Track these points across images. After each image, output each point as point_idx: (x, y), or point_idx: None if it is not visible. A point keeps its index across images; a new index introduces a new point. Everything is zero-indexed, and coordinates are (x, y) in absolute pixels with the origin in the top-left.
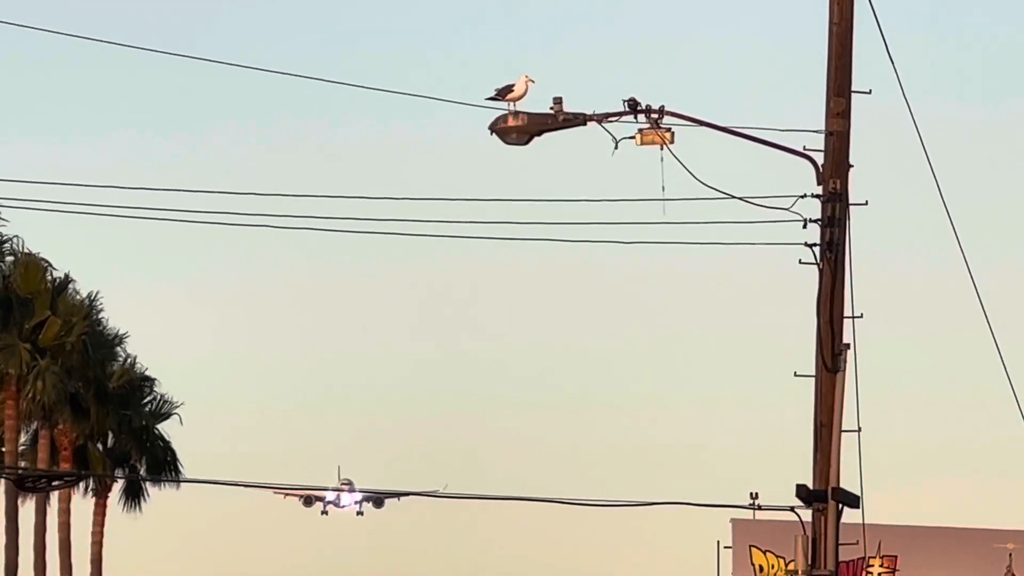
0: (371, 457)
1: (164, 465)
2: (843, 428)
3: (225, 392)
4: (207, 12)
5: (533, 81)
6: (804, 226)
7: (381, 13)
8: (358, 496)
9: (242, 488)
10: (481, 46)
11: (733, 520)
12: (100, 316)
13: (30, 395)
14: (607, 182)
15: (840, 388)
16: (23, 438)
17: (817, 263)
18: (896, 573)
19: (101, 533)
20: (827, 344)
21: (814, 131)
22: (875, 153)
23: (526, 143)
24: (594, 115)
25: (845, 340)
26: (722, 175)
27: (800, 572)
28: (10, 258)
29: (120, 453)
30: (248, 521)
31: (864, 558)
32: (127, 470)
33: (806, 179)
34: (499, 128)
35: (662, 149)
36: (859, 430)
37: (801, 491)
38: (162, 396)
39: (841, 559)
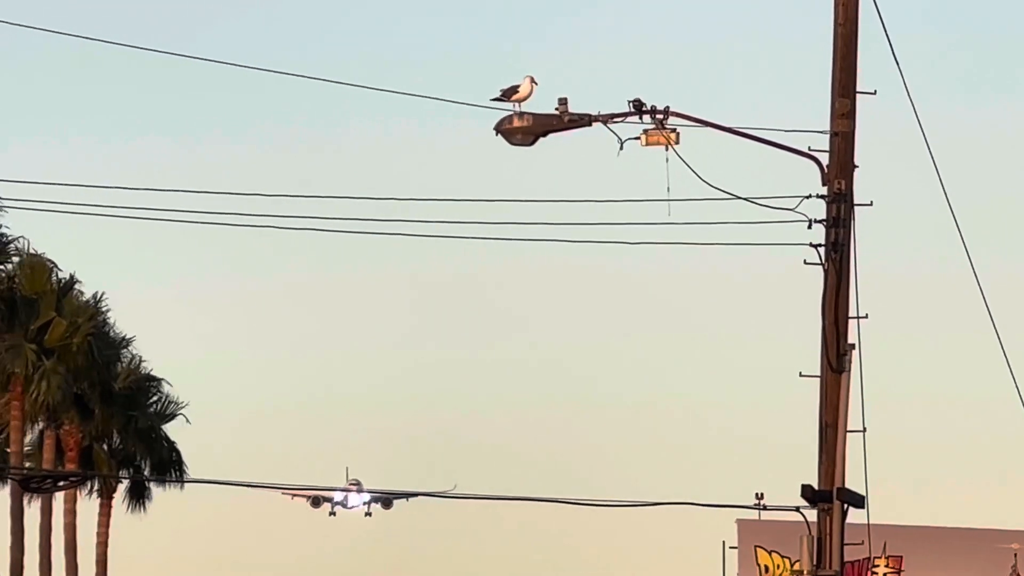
0: (379, 458)
1: (169, 466)
2: (848, 428)
3: (231, 392)
4: (208, 12)
5: (537, 84)
6: (809, 227)
7: (386, 13)
8: (366, 497)
9: (248, 489)
10: (486, 47)
11: (739, 520)
12: (106, 317)
13: (35, 396)
14: (612, 183)
15: (845, 388)
16: (29, 439)
17: (822, 264)
18: (901, 573)
19: (106, 534)
20: (832, 344)
21: (819, 132)
22: (880, 154)
23: (531, 144)
24: (599, 116)
25: (850, 340)
26: (727, 176)
27: (805, 572)
28: (15, 259)
29: (125, 454)
30: (255, 522)
31: (869, 558)
32: (132, 471)
33: (811, 180)
34: (504, 129)
35: (667, 150)
36: (864, 430)
37: (806, 491)
38: (167, 396)
39: (846, 559)
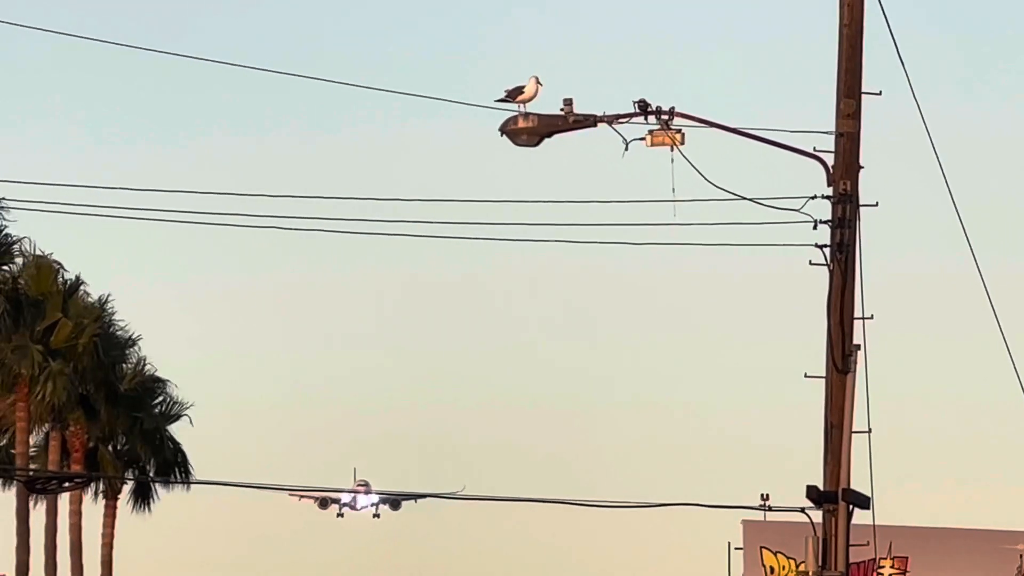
0: (388, 459)
1: (174, 467)
2: (853, 429)
3: (238, 393)
4: (208, 12)
5: (542, 84)
6: (814, 227)
7: (391, 14)
8: (375, 498)
9: (255, 490)
10: (490, 47)
11: (744, 521)
12: (111, 318)
13: (41, 397)
14: (617, 184)
15: (850, 389)
16: (34, 440)
17: (827, 264)
18: (907, 574)
19: (111, 535)
20: (837, 345)
21: (824, 132)
22: (885, 154)
23: (536, 145)
24: (604, 116)
25: (855, 341)
26: (732, 176)
27: (811, 573)
28: (19, 260)
29: (131, 455)
30: (261, 524)
31: (875, 559)
32: (137, 472)
33: (816, 180)
34: (510, 130)
35: (672, 150)
36: (869, 431)
37: (812, 492)
38: (172, 398)
39: (852, 560)
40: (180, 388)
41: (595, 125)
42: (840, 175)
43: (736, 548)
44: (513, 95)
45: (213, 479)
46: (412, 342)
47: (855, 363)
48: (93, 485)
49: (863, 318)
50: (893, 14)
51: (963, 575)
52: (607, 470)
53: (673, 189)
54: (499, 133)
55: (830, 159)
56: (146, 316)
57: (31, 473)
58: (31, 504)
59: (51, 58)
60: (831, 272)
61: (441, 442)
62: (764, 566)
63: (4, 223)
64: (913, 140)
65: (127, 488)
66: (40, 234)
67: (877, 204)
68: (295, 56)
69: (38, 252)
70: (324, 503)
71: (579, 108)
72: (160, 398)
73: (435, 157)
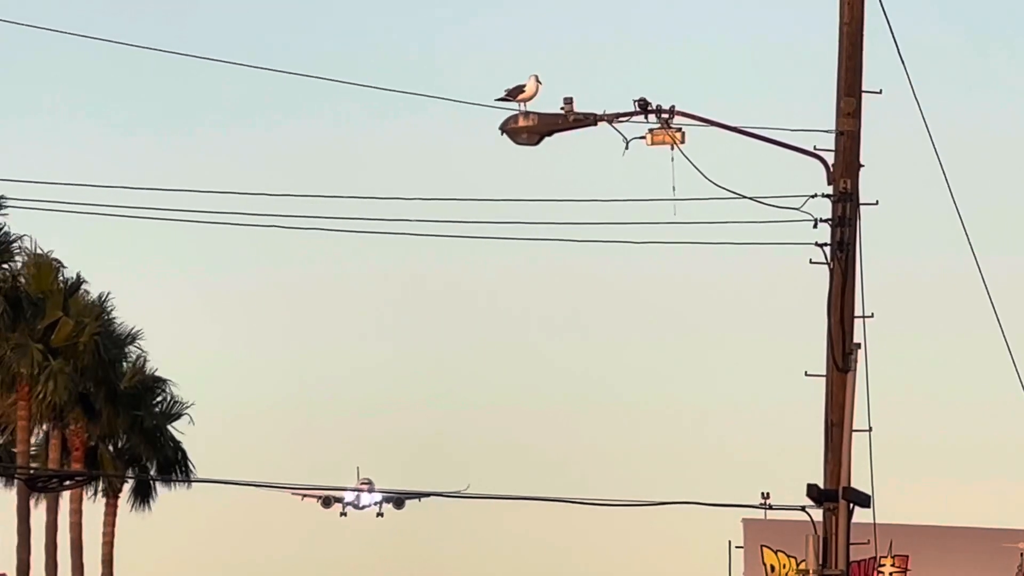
0: (391, 457)
1: (175, 465)
2: (854, 428)
3: (240, 392)
4: (209, 13)
5: (542, 83)
6: (815, 226)
7: (391, 12)
8: (378, 497)
9: (257, 489)
10: (491, 46)
11: (744, 520)
12: (112, 317)
13: (41, 396)
14: (618, 182)
15: (851, 388)
16: (35, 439)
17: (828, 263)
18: (907, 573)
19: (112, 533)
20: (838, 344)
21: (825, 131)
22: (886, 153)
23: (536, 143)
24: (605, 115)
25: (856, 340)
26: (733, 175)
27: (811, 572)
28: (19, 258)
29: (131, 453)
30: (264, 523)
31: (875, 558)
32: (138, 470)
33: (817, 179)
34: (510, 128)
35: (673, 149)
36: (870, 429)
37: (812, 491)
38: (173, 396)
39: (852, 559)
40: (181, 387)
41: (595, 124)
42: (840, 174)
43: (736, 547)
44: (513, 94)
45: (214, 478)
46: (414, 341)
47: (855, 362)
48: (94, 484)
49: (863, 317)
50: (893, 12)
51: (964, 574)
52: (607, 470)
53: (673, 188)
54: (499, 132)
55: (830, 158)
56: (146, 315)
57: (32, 472)
58: (32, 503)
59: (51, 54)
60: (831, 271)
61: (444, 441)
62: (765, 565)
63: (3, 222)
64: (913, 139)
65: (127, 487)
66: (40, 233)
67: (877, 203)
68: (297, 54)
69: (38, 250)
70: (327, 502)
71: (579, 107)
72: (160, 397)
73: (435, 156)
